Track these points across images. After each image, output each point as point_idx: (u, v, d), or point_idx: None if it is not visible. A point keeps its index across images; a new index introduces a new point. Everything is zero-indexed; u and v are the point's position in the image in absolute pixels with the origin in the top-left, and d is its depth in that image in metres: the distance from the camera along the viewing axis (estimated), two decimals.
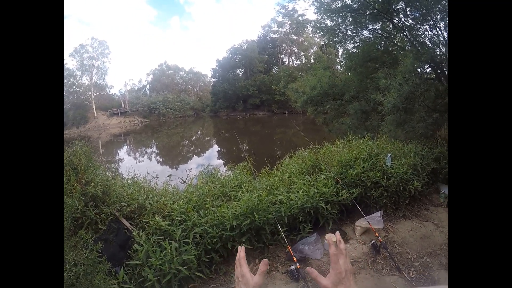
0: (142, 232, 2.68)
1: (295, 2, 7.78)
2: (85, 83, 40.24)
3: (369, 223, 3.19)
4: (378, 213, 3.38)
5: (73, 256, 1.81)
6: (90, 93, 39.39)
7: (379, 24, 6.31)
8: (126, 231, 2.79)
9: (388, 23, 6.00)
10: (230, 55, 43.45)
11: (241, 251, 0.94)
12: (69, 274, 1.69)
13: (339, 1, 6.00)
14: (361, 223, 3.31)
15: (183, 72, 55.31)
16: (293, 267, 2.58)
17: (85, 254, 1.82)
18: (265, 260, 0.85)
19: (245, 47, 42.70)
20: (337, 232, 0.93)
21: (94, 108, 39.19)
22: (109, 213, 2.90)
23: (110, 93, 46.45)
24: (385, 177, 3.70)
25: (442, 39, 5.29)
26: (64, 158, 3.14)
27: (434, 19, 5.19)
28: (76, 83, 39.64)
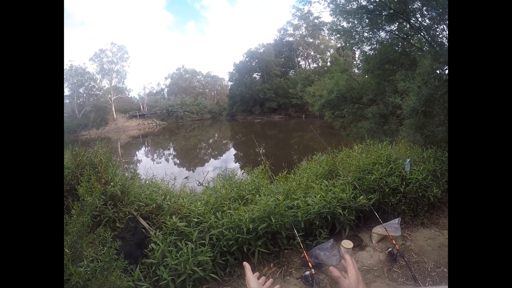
0: (159, 232, 2.73)
1: (311, 5, 7.76)
2: (105, 86, 41.63)
3: (386, 230, 3.12)
4: (396, 220, 3.29)
5: (91, 252, 1.87)
6: (109, 96, 40.69)
7: (396, 25, 6.20)
8: (143, 230, 2.85)
9: (405, 23, 5.89)
10: (247, 59, 43.71)
11: (247, 269, 1.06)
12: (86, 269, 1.75)
13: (354, 2, 5.95)
14: (378, 230, 3.24)
15: (201, 76, 56.16)
16: (307, 272, 2.56)
17: (103, 250, 1.87)
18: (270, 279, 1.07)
19: (261, 50, 42.84)
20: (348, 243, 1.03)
21: (113, 110, 40.41)
22: (127, 212, 2.97)
23: (129, 96, 47.85)
24: (404, 183, 3.61)
25: None
26: (85, 158, 3.25)
27: None
28: (96, 86, 41.10)
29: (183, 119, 43.24)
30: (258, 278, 1.10)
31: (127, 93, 46.32)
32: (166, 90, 54.64)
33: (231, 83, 47.44)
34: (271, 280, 1.12)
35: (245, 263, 1.09)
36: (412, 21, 5.62)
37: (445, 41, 5.30)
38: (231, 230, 2.80)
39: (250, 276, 1.04)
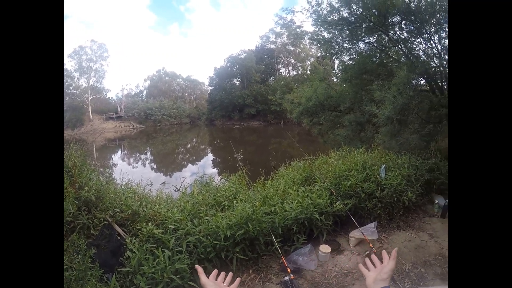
0: (135, 239, 2.64)
1: (293, 14, 7.94)
2: (82, 85, 39.96)
3: (363, 234, 3.20)
4: (372, 224, 3.38)
5: (65, 261, 1.78)
6: (86, 95, 39.09)
7: (375, 37, 6.43)
8: (118, 237, 2.75)
9: (383, 36, 6.12)
10: (228, 64, 43.72)
11: (200, 273, 1.01)
12: None
13: (336, 14, 6.11)
14: (355, 234, 3.31)
15: (181, 79, 55.42)
16: (287, 278, 2.56)
17: (77, 259, 1.79)
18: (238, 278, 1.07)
19: (242, 56, 43.02)
20: (396, 249, 1.07)
21: (90, 111, 38.86)
22: (101, 219, 2.86)
23: (107, 97, 46.16)
24: (379, 188, 3.73)
25: (436, 51, 5.41)
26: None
27: (428, 32, 5.32)
28: (74, 85, 39.35)
29: (161, 122, 42.38)
30: (217, 275, 1.05)
31: (104, 93, 44.70)
32: (145, 92, 53.40)
33: (211, 87, 47.19)
34: (238, 279, 1.09)
35: (197, 266, 1.05)
36: (390, 33, 5.86)
37: (421, 53, 5.57)
38: (209, 237, 2.77)
39: (205, 281, 0.97)
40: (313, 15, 6.42)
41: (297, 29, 38.76)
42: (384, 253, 1.06)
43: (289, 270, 2.62)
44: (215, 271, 1.06)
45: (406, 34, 5.80)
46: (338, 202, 3.49)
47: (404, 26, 5.72)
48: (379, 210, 3.61)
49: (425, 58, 5.46)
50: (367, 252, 2.97)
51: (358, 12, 5.75)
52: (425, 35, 5.38)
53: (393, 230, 3.56)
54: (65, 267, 1.75)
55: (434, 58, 5.45)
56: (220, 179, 5.94)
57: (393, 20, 5.64)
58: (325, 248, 3.05)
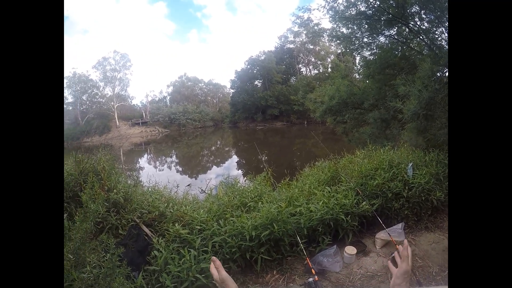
0: (162, 239, 2.72)
1: (310, 12, 7.85)
2: (108, 93, 42.19)
3: (390, 236, 3.10)
4: (400, 225, 3.27)
5: (94, 259, 1.87)
6: (112, 103, 41.04)
7: (395, 29, 6.25)
8: (145, 237, 2.84)
9: (403, 27, 5.93)
10: (248, 66, 43.99)
11: (219, 268, 0.96)
12: (89, 275, 1.75)
13: (353, 9, 6.01)
14: (381, 235, 3.22)
15: (203, 84, 56.53)
16: (311, 279, 2.53)
17: (105, 257, 1.87)
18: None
19: (262, 58, 43.14)
20: (405, 240, 1.03)
21: (116, 117, 40.71)
22: (129, 219, 2.97)
23: (132, 104, 48.23)
24: (407, 187, 3.60)
25: None
26: (88, 165, 3.27)
27: None
28: (99, 94, 41.64)
29: (186, 126, 43.39)
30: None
31: (129, 100, 46.79)
32: (168, 98, 55.14)
33: (233, 90, 47.66)
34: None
35: (214, 258, 1.00)
36: (411, 25, 5.67)
37: (444, 43, 5.33)
38: (234, 238, 2.79)
39: (226, 276, 0.95)
40: (330, 12, 6.36)
41: (315, 27, 38.21)
42: (396, 256, 1.01)
43: (313, 271, 2.60)
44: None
45: (427, 24, 5.58)
46: (364, 202, 3.41)
47: (424, 16, 5.51)
48: (406, 211, 3.49)
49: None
50: (393, 254, 2.87)
51: (375, 5, 5.61)
52: (446, 24, 5.14)
53: (421, 231, 3.42)
54: (93, 264, 1.83)
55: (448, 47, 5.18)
56: (245, 181, 5.99)
57: (412, 11, 5.45)
58: (350, 250, 2.99)
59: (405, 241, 0.95)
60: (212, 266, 0.98)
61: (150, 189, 3.92)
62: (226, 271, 1.00)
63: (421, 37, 5.72)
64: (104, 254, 1.95)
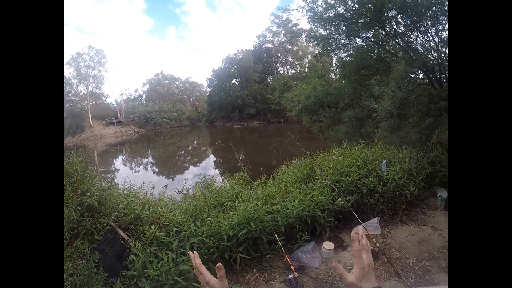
0: (139, 242, 2.65)
1: (289, 12, 7.93)
2: (81, 91, 40.13)
3: (366, 230, 3.20)
4: (375, 219, 3.39)
5: (70, 266, 1.79)
6: (86, 102, 39.27)
7: (372, 32, 6.45)
8: (122, 241, 2.76)
9: (380, 30, 6.13)
10: (226, 65, 43.71)
11: (195, 257, 0.90)
12: (65, 283, 1.67)
13: (332, 11, 6.12)
14: (358, 230, 3.30)
15: (179, 82, 55.52)
16: (291, 276, 2.57)
17: (81, 264, 1.80)
18: (219, 264, 0.85)
19: (240, 57, 43.02)
20: (360, 227, 0.95)
21: (90, 117, 39.04)
22: (105, 224, 2.87)
23: (106, 102, 46.34)
24: (381, 183, 3.73)
25: (433, 44, 5.40)
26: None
27: (425, 25, 5.32)
28: (73, 92, 39.52)
29: (162, 126, 42.44)
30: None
31: (104, 99, 44.88)
32: (144, 96, 53.56)
33: (210, 89, 47.15)
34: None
35: (195, 253, 0.92)
36: (387, 28, 5.86)
37: (419, 46, 5.56)
38: (212, 238, 2.77)
39: (210, 277, 0.89)
40: (309, 13, 6.44)
41: (294, 28, 38.69)
42: (338, 271, 0.83)
43: (293, 268, 2.63)
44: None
45: (403, 28, 5.81)
46: (340, 199, 3.49)
47: (400, 20, 5.72)
48: (381, 205, 3.61)
49: (422, 51, 5.46)
50: (371, 247, 2.97)
51: (353, 8, 5.75)
52: (422, 28, 5.38)
53: (396, 224, 3.56)
54: (69, 272, 1.76)
55: (432, 51, 5.44)
56: (222, 180, 5.96)
57: (389, 15, 5.65)
58: (328, 245, 3.06)
59: (334, 264, 0.86)
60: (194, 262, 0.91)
61: (125, 191, 3.82)
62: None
63: (396, 40, 5.94)
64: (80, 261, 1.87)
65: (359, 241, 0.84)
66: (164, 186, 7.31)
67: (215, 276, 0.89)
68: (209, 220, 3.03)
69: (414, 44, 5.74)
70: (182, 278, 2.35)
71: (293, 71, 44.32)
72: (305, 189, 3.73)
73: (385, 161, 4.05)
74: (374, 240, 3.05)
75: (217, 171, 15.84)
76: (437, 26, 5.26)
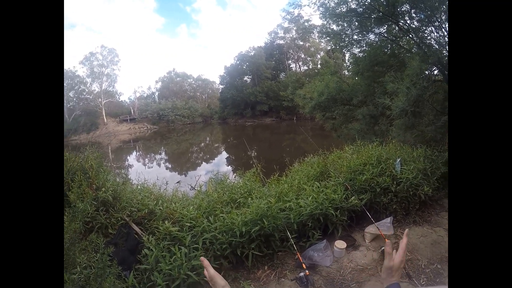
0: (152, 237, 2.70)
1: (301, 8, 7.85)
2: (95, 90, 41.29)
3: (379, 230, 3.16)
4: (388, 219, 3.34)
5: (84, 259, 1.84)
6: (100, 99, 40.28)
7: (385, 27, 6.29)
8: (136, 236, 2.82)
9: (393, 26, 5.98)
10: (238, 62, 43.80)
11: (207, 267, 0.98)
12: (79, 276, 1.72)
13: (344, 6, 6.01)
14: (370, 229, 3.27)
15: (192, 79, 56.08)
16: (302, 274, 2.57)
17: (96, 257, 1.85)
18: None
19: (252, 53, 43.02)
20: (407, 230, 1.02)
21: (104, 114, 39.99)
22: (119, 218, 2.94)
23: (120, 100, 47.45)
24: (395, 182, 3.66)
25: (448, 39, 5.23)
26: (76, 163, 3.21)
27: (439, 20, 5.15)
28: (87, 90, 40.73)
29: (174, 123, 42.98)
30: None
31: (117, 97, 45.98)
32: (157, 93, 54.40)
33: (222, 86, 47.45)
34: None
35: (202, 259, 1.01)
36: (400, 23, 5.72)
37: (433, 42, 5.41)
38: (224, 234, 2.79)
39: (214, 273, 0.98)
40: (321, 8, 6.34)
41: (306, 23, 38.30)
42: (386, 249, 0.95)
43: (304, 266, 2.63)
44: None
45: (417, 23, 5.63)
46: (353, 197, 3.45)
47: (414, 15, 5.56)
48: (394, 205, 3.56)
49: (437, 47, 5.29)
50: (383, 247, 2.93)
51: (366, 3, 5.63)
52: (436, 23, 5.21)
53: (409, 225, 3.50)
54: (84, 265, 1.81)
55: (447, 47, 5.28)
56: (235, 177, 5.99)
57: (403, 9, 5.49)
58: (340, 244, 3.04)
59: (388, 241, 0.96)
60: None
61: (139, 187, 3.88)
62: (216, 267, 1.00)
63: (410, 35, 5.78)
64: (94, 254, 1.92)
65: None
66: (177, 182, 7.42)
67: (225, 277, 0.95)
68: (222, 216, 3.05)
69: (429, 39, 5.55)
70: (194, 273, 2.38)
71: (305, 67, 43.97)
72: (318, 187, 3.70)
73: (399, 160, 3.98)
74: (387, 240, 3.00)
75: (229, 167, 15.92)
76: None
